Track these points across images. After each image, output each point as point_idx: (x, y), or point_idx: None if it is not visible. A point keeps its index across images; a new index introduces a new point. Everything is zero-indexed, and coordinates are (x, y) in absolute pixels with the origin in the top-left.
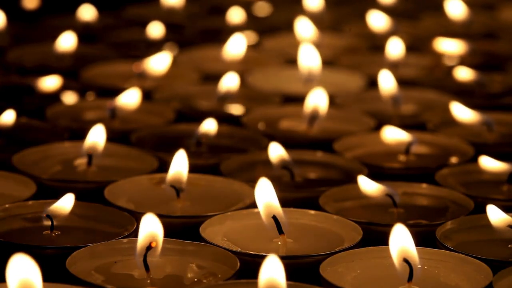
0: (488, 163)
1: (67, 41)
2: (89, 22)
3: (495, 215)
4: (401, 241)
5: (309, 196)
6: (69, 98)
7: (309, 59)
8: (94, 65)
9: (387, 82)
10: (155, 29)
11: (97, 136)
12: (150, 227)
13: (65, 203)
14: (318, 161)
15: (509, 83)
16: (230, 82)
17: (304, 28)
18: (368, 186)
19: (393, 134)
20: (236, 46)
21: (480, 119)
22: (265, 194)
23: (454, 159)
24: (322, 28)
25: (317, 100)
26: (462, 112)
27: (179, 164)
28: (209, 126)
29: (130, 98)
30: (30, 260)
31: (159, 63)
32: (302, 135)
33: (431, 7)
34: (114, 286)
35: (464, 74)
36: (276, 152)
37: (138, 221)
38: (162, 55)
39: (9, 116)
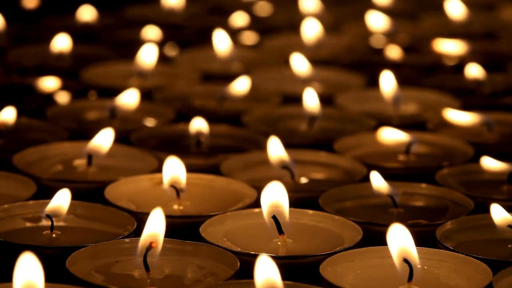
0: (489, 163)
1: (66, 41)
2: (89, 22)
3: (498, 214)
4: (400, 240)
5: (309, 196)
6: (69, 98)
7: (301, 63)
8: (94, 65)
9: (387, 83)
10: (155, 29)
11: (103, 140)
12: (154, 225)
13: (62, 201)
14: (318, 161)
15: (509, 83)
16: (241, 85)
17: (308, 29)
18: (378, 183)
19: (391, 135)
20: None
21: (480, 119)
22: (274, 195)
23: (454, 159)
24: (322, 28)
25: (311, 100)
26: (458, 117)
27: (173, 167)
28: (200, 124)
29: (129, 98)
30: (35, 261)
31: (148, 57)
32: (302, 135)
33: (431, 7)
34: (114, 286)
35: (473, 71)
36: (275, 150)
37: (138, 221)
38: (149, 49)
39: (9, 115)
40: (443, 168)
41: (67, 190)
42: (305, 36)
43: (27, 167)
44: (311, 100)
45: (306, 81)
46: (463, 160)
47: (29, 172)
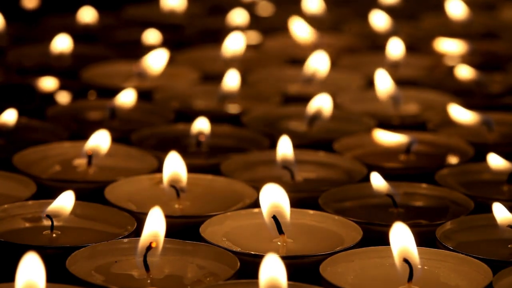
0: (495, 161)
1: (66, 41)
2: (89, 23)
3: (500, 213)
4: (401, 240)
5: (309, 196)
6: (69, 98)
7: (317, 61)
8: (94, 65)
9: (384, 82)
10: (155, 29)
11: (99, 140)
12: (154, 225)
13: (65, 203)
14: (318, 161)
15: (509, 83)
16: (231, 81)
17: (302, 29)
18: (378, 183)
19: (386, 137)
20: (234, 45)
21: (480, 119)
22: (272, 195)
23: (454, 159)
24: (322, 28)
25: (321, 102)
26: (460, 114)
27: (175, 165)
28: (202, 125)
29: (127, 98)
30: (38, 261)
31: (156, 61)
32: (302, 135)
33: (431, 7)
34: (114, 286)
35: (464, 73)
36: (283, 149)
37: (138, 221)
38: (159, 53)
39: (10, 116)
40: (443, 168)
41: (71, 192)
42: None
43: (27, 167)
44: (323, 102)
45: (308, 81)
46: (463, 160)
47: (29, 172)
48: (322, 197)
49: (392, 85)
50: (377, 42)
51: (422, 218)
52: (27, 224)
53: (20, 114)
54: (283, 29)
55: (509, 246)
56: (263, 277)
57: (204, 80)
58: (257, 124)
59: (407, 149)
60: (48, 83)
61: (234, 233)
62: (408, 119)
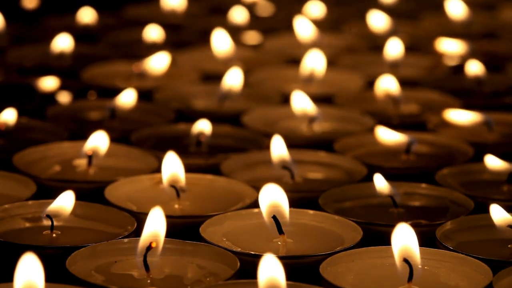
0: (493, 162)
1: (67, 41)
2: (89, 24)
3: (497, 214)
4: (403, 240)
5: (309, 196)
6: (69, 98)
7: (313, 60)
8: (94, 65)
9: (387, 84)
10: (155, 29)
11: (98, 141)
12: (154, 225)
13: (65, 203)
14: (318, 161)
15: (509, 83)
16: (233, 79)
17: (304, 28)
18: (381, 184)
19: (387, 135)
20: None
21: (480, 119)
22: (271, 195)
23: (454, 159)
24: (322, 28)
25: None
26: (460, 116)
27: (173, 165)
28: (202, 125)
29: (127, 98)
30: (36, 261)
31: (158, 63)
32: (302, 135)
33: (431, 7)
34: (114, 286)
35: (474, 68)
36: (277, 150)
37: (138, 221)
38: (161, 55)
39: (10, 116)
40: (443, 168)
41: (71, 192)
42: (303, 36)
43: (27, 167)
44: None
45: (308, 81)
46: (463, 160)
47: (29, 172)
48: (322, 197)
49: (394, 86)
50: (377, 42)
51: (422, 218)
52: (27, 224)
53: (20, 114)
54: (283, 29)
55: (509, 246)
56: (262, 277)
57: (204, 80)
58: (257, 124)
59: (407, 149)
60: (48, 83)
61: (234, 233)
62: (408, 119)
